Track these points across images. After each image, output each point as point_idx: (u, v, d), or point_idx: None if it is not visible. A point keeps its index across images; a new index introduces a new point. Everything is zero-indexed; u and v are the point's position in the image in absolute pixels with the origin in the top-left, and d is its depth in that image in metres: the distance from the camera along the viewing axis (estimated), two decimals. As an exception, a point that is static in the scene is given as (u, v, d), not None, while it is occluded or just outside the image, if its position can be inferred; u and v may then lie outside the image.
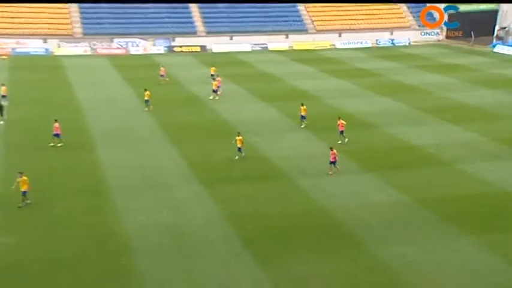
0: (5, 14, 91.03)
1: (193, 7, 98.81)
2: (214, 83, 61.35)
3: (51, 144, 44.06)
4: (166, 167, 40.90)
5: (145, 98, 55.38)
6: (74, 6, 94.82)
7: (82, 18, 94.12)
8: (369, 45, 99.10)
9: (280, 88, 66.42)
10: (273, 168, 40.55)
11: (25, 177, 33.01)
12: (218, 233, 31.09)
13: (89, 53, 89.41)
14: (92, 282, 26.34)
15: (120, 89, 65.22)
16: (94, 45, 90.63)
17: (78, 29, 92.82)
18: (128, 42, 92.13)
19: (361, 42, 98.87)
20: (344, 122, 45.67)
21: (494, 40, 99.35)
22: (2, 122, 49.75)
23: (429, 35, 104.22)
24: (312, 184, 37.48)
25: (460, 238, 30.65)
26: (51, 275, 26.77)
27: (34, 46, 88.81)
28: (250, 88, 65.49)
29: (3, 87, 56.70)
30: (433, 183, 38.26)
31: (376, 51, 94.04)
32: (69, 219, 32.65)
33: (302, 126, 49.75)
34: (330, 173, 38.47)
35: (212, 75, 65.74)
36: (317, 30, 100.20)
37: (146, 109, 54.93)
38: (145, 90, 56.17)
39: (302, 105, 50.58)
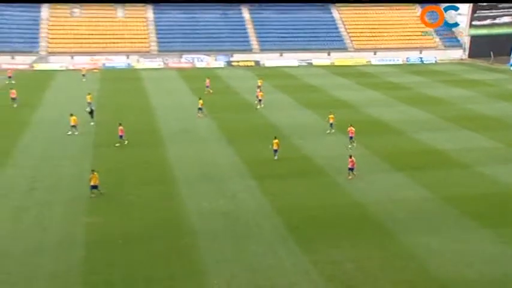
0: (97, 36, 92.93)
1: (250, 28, 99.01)
2: (260, 93, 61.01)
3: (118, 144, 44.44)
4: (223, 163, 40.92)
5: (199, 106, 55.15)
6: (151, 29, 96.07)
7: (157, 38, 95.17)
8: (400, 62, 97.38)
9: (322, 98, 65.79)
10: (314, 167, 40.19)
11: (96, 174, 33.48)
12: (266, 220, 30.98)
13: (162, 66, 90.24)
14: (161, 255, 26.84)
15: (186, 96, 65.46)
16: (166, 60, 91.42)
17: (154, 47, 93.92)
18: (194, 57, 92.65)
19: (394, 60, 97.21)
20: (353, 129, 44.88)
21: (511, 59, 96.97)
22: (92, 123, 50.55)
23: (452, 48, 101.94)
24: (348, 181, 36.96)
25: (478, 231, 29.97)
26: (129, 248, 27.59)
27: (119, 61, 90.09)
28: (296, 97, 65.07)
29: (89, 96, 57.50)
30: (455, 182, 37.46)
31: (406, 68, 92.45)
32: (142, 204, 33.18)
33: (327, 132, 48.66)
34: (349, 177, 37.22)
35: (259, 86, 65.41)
36: (355, 49, 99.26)
37: (199, 115, 54.54)
38: (200, 98, 56.15)
39: (330, 113, 50.04)
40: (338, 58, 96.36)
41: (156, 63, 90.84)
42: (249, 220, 30.91)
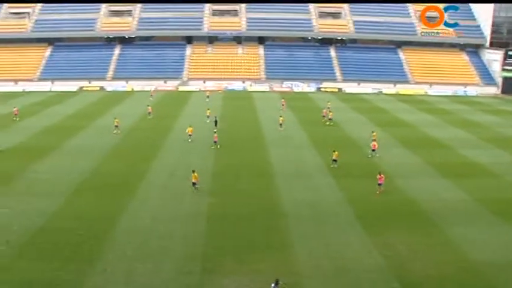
0: (222, 66, 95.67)
1: (335, 63, 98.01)
2: (330, 113, 59.68)
3: (213, 147, 45.00)
4: (310, 164, 41.05)
5: (280, 122, 54.15)
6: (261, 62, 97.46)
7: (266, 68, 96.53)
8: (450, 94, 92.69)
9: (388, 118, 64.16)
10: (379, 171, 39.39)
11: (196, 174, 32.98)
12: (341, 209, 30.99)
13: (268, 90, 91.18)
14: (261, 231, 27.45)
15: (285, 112, 65.82)
16: (271, 85, 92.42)
17: (262, 75, 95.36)
18: (292, 84, 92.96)
19: (445, 92, 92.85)
20: (376, 144, 43.48)
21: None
22: (215, 130, 51.84)
23: (489, 85, 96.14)
24: (405, 183, 36.18)
25: (503, 226, 28.72)
26: (238, 223, 28.33)
27: (237, 85, 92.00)
28: (368, 117, 63.88)
29: (208, 111, 58.73)
30: (487, 188, 35.77)
31: (454, 98, 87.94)
32: (249, 191, 33.91)
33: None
34: (378, 192, 33.51)
35: (328, 107, 64.02)
36: (415, 82, 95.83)
37: (280, 129, 53.51)
38: (280, 116, 55.66)
39: (373, 132, 48.56)
40: (402, 88, 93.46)
41: (264, 87, 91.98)
42: (328, 208, 31.01)
